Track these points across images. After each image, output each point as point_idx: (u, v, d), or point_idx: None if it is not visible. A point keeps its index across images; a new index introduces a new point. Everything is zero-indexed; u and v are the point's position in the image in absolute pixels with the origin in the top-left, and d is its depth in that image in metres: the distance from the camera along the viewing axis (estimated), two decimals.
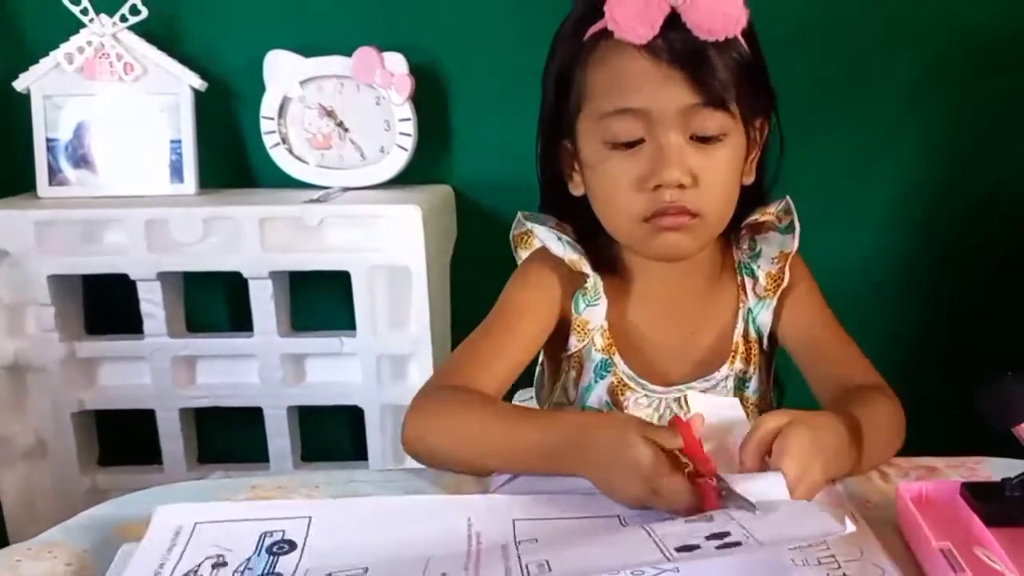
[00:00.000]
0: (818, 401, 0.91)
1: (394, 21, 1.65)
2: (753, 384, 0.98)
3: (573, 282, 0.95)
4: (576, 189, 0.94)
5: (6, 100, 1.63)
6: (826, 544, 0.63)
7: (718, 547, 0.59)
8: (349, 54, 1.59)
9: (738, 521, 0.63)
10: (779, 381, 1.05)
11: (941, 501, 0.70)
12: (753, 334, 0.97)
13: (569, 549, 0.63)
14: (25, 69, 1.59)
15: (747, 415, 0.85)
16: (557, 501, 0.74)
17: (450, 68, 1.68)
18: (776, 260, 0.95)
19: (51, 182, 1.62)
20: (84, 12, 1.57)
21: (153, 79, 1.61)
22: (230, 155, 1.72)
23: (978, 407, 0.69)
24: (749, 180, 0.93)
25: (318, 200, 1.55)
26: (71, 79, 1.59)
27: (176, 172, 1.63)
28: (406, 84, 1.59)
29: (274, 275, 1.54)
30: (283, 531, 0.69)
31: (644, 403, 0.95)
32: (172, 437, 1.62)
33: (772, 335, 0.98)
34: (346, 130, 1.66)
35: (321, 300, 1.67)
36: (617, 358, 0.95)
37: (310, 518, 0.71)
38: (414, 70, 1.60)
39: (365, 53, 1.58)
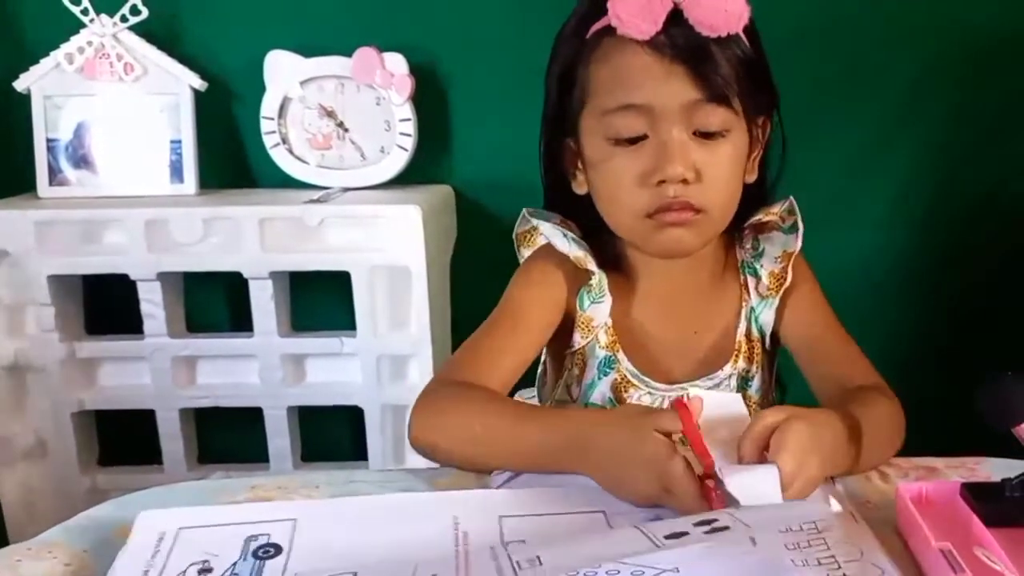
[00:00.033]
0: (818, 401, 0.91)
1: (394, 21, 1.65)
2: (756, 383, 0.98)
3: (577, 279, 0.95)
4: (579, 187, 0.94)
5: (6, 100, 1.63)
6: (826, 544, 0.63)
7: (706, 532, 0.60)
8: (349, 54, 1.59)
9: (725, 511, 0.64)
10: (781, 381, 1.05)
11: (941, 501, 0.70)
12: (756, 333, 0.98)
13: (559, 545, 0.63)
14: (25, 69, 1.59)
15: (749, 412, 0.85)
16: (543, 496, 0.74)
17: (450, 68, 1.68)
18: (779, 260, 0.96)
19: (51, 182, 1.62)
20: (84, 12, 1.57)
21: (153, 79, 1.61)
22: (230, 155, 1.72)
23: (978, 407, 0.69)
24: (751, 178, 0.93)
25: (318, 200, 1.55)
26: (71, 79, 1.59)
27: (176, 172, 1.63)
28: (406, 84, 1.59)
29: (274, 275, 1.54)
30: (268, 535, 0.68)
31: (647, 401, 0.96)
32: (172, 437, 1.62)
33: (774, 334, 0.98)
34: (346, 130, 1.66)
35: (321, 300, 1.67)
36: (621, 355, 0.96)
37: (295, 520, 0.70)
38: (414, 70, 1.60)
39: (365, 53, 1.58)
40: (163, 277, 1.55)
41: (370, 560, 0.64)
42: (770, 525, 0.61)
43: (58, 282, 1.55)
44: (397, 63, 1.59)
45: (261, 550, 0.66)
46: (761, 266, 0.97)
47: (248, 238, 1.51)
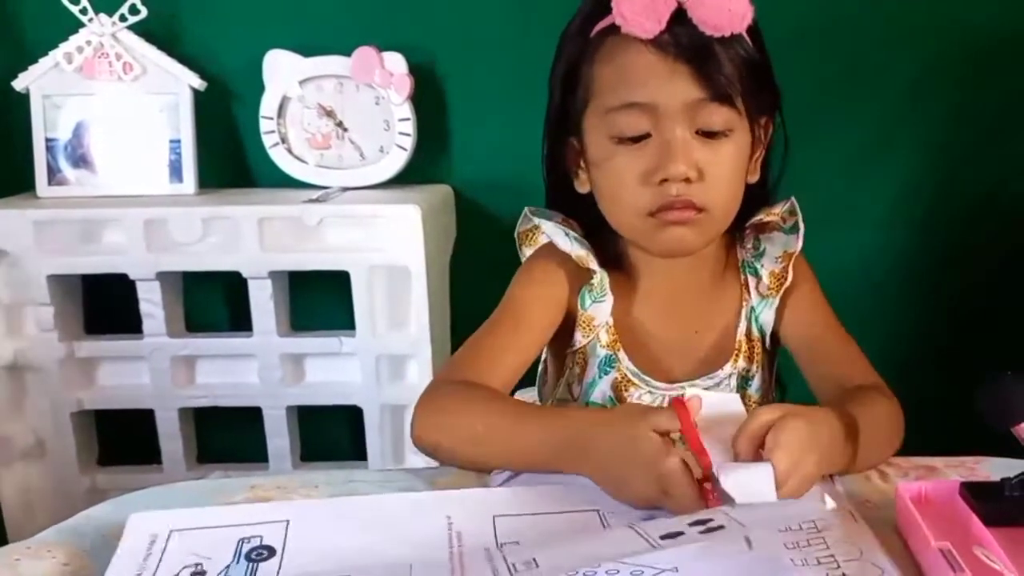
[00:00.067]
0: (817, 400, 0.91)
1: (393, 21, 1.65)
2: (756, 383, 0.98)
3: (579, 278, 0.95)
4: (582, 186, 0.95)
5: (5, 100, 1.63)
6: (825, 544, 0.63)
7: (702, 532, 0.60)
8: (348, 54, 1.59)
9: (720, 509, 0.64)
10: (781, 381, 1.05)
11: (940, 501, 0.70)
12: (756, 333, 0.98)
13: (555, 546, 0.62)
14: (24, 69, 1.59)
15: (747, 412, 0.85)
16: (537, 495, 0.74)
17: (449, 68, 1.68)
18: (780, 259, 0.96)
19: (50, 182, 1.62)
20: (83, 12, 1.57)
21: (152, 79, 1.61)
22: (229, 155, 1.72)
23: (978, 407, 0.69)
24: (753, 179, 0.93)
25: (317, 200, 1.55)
26: (70, 79, 1.59)
27: (175, 172, 1.63)
28: (405, 84, 1.59)
29: (273, 275, 1.54)
30: (261, 536, 0.68)
31: (648, 400, 0.96)
32: (171, 437, 1.62)
33: (774, 334, 0.98)
34: (345, 130, 1.66)
35: (320, 300, 1.67)
36: (622, 354, 0.96)
37: (287, 522, 0.69)
38: (413, 70, 1.60)
39: (364, 53, 1.58)
40: (162, 277, 1.55)
41: (364, 561, 0.64)
42: (766, 524, 0.61)
43: (57, 282, 1.55)
44: (396, 63, 1.59)
45: (254, 552, 0.66)
46: (762, 266, 0.97)
47: (247, 238, 1.51)
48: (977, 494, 0.68)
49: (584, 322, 0.96)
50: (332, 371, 1.61)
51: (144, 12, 1.57)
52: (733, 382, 0.97)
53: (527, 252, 1.01)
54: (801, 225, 0.95)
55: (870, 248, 1.72)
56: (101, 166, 1.63)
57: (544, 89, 0.96)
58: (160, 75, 1.60)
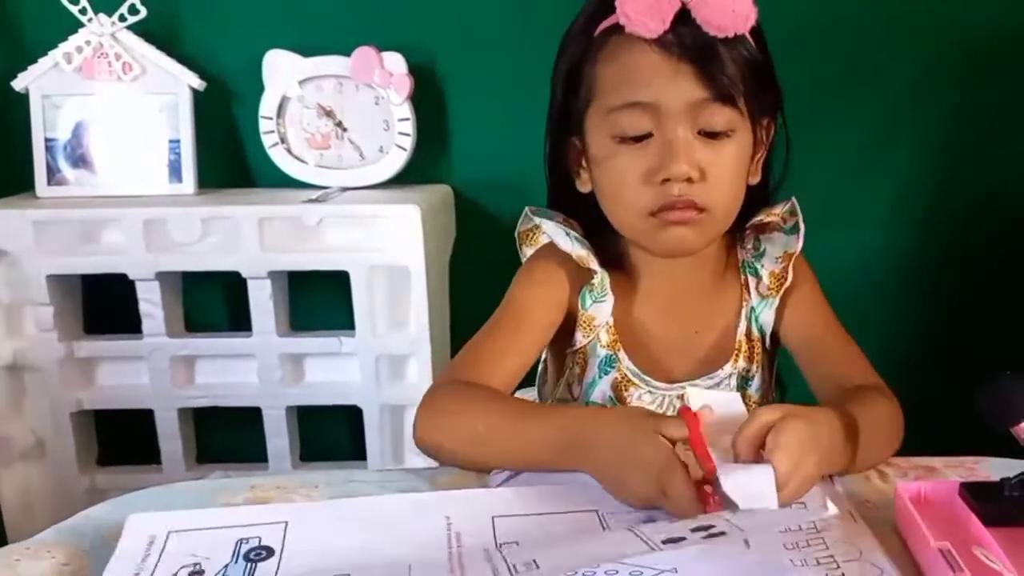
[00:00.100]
0: (817, 400, 0.91)
1: (393, 21, 1.65)
2: (756, 383, 0.98)
3: (579, 278, 0.96)
4: (583, 186, 0.95)
5: (5, 100, 1.63)
6: (824, 544, 0.63)
7: (704, 537, 0.60)
8: (348, 54, 1.59)
9: (721, 515, 0.64)
10: (781, 381, 1.05)
11: (940, 501, 0.70)
12: (756, 333, 0.98)
13: (555, 547, 0.62)
14: (24, 69, 1.59)
15: (748, 412, 0.85)
16: (536, 495, 0.73)
17: (449, 68, 1.68)
18: (780, 260, 0.96)
19: (50, 182, 1.62)
20: (83, 12, 1.57)
21: (152, 79, 1.61)
22: (229, 155, 1.72)
23: (978, 407, 0.69)
24: (755, 180, 0.94)
25: (317, 200, 1.55)
26: (70, 79, 1.59)
27: (175, 172, 1.63)
28: (405, 84, 1.59)
29: (273, 275, 1.54)
30: (259, 537, 0.68)
31: (647, 399, 0.96)
32: (171, 437, 1.62)
33: (774, 334, 0.98)
34: (345, 130, 1.66)
35: (320, 300, 1.67)
36: (622, 354, 0.96)
37: (286, 523, 0.69)
38: (413, 70, 1.60)
39: (364, 53, 1.58)
40: (162, 277, 1.55)
41: (363, 561, 0.64)
42: (767, 529, 0.61)
43: (57, 282, 1.55)
44: (396, 63, 1.59)
45: (253, 552, 0.66)
46: (762, 266, 0.97)
47: (247, 238, 1.51)
48: (977, 494, 0.68)
49: (584, 322, 0.96)
50: (332, 371, 1.61)
51: (143, 12, 1.57)
52: (733, 382, 0.97)
53: (527, 252, 1.01)
54: (801, 225, 0.95)
55: (870, 248, 1.72)
56: (100, 166, 1.63)
57: (544, 89, 0.96)
58: (159, 75, 1.60)
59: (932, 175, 1.70)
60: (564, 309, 0.96)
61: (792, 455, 0.68)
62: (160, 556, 0.66)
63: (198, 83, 1.61)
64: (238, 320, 1.65)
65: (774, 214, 0.96)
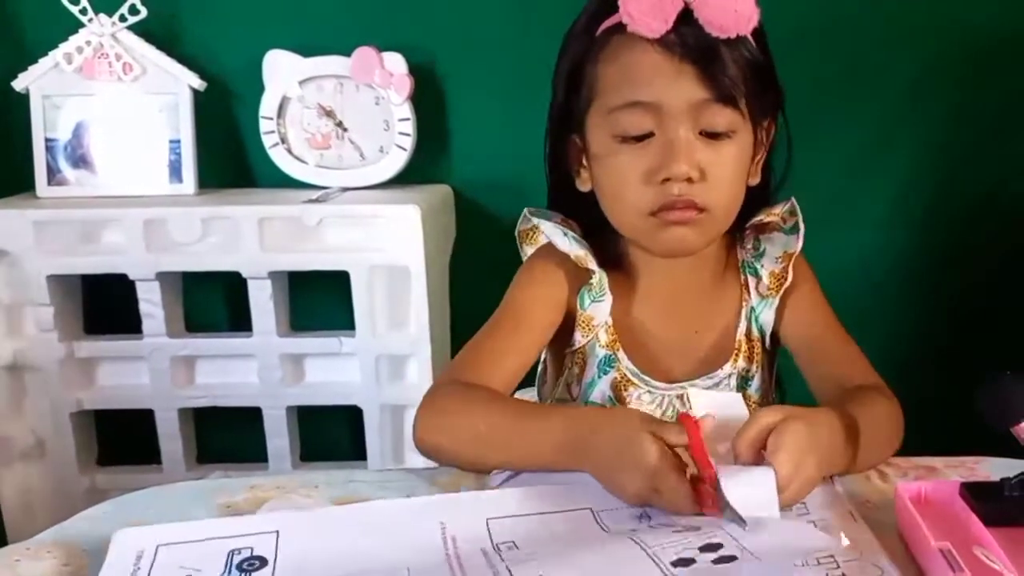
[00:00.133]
0: (817, 400, 0.91)
1: (393, 21, 1.65)
2: (756, 383, 0.98)
3: (578, 278, 0.96)
4: (583, 185, 0.95)
5: (5, 100, 1.63)
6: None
7: (714, 561, 0.60)
8: (348, 54, 1.59)
9: (728, 531, 0.63)
10: (780, 381, 1.05)
11: (940, 501, 0.70)
12: (756, 333, 0.98)
13: (563, 567, 0.61)
14: (24, 69, 1.59)
15: (749, 413, 0.85)
16: (530, 495, 0.73)
17: (449, 68, 1.68)
18: (780, 260, 0.96)
19: (50, 182, 1.62)
20: (83, 12, 1.57)
21: (152, 79, 1.61)
22: (229, 155, 1.72)
23: (978, 407, 0.69)
24: (754, 181, 0.94)
25: (317, 200, 1.55)
26: (70, 79, 1.59)
27: (175, 172, 1.63)
28: (405, 84, 1.59)
29: (273, 275, 1.54)
30: (251, 548, 0.67)
31: (647, 399, 0.96)
32: (171, 437, 1.62)
33: (774, 334, 0.98)
34: (345, 130, 1.66)
35: (320, 300, 1.67)
36: (621, 354, 0.96)
37: (277, 532, 0.68)
38: (413, 70, 1.60)
39: (364, 53, 1.58)
40: (162, 277, 1.55)
41: (360, 567, 0.64)
42: (780, 558, 0.60)
43: (57, 282, 1.55)
44: (396, 63, 1.59)
45: (246, 563, 0.65)
46: (762, 266, 0.97)
47: (247, 238, 1.51)
48: (977, 494, 0.68)
49: (583, 322, 0.96)
50: (332, 371, 1.61)
51: (144, 12, 1.57)
52: (733, 382, 0.97)
53: (528, 251, 1.02)
54: (801, 225, 0.95)
55: (870, 248, 1.72)
56: (101, 166, 1.63)
57: (545, 89, 0.96)
58: (160, 75, 1.60)
59: (932, 175, 1.70)
60: (563, 309, 0.96)
61: (793, 457, 0.69)
62: (150, 571, 0.64)
63: (198, 83, 1.61)
64: (238, 320, 1.65)
65: (774, 214, 0.96)
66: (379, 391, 1.58)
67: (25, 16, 1.66)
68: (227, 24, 1.66)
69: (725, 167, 0.86)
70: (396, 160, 1.64)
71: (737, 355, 0.97)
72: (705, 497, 0.68)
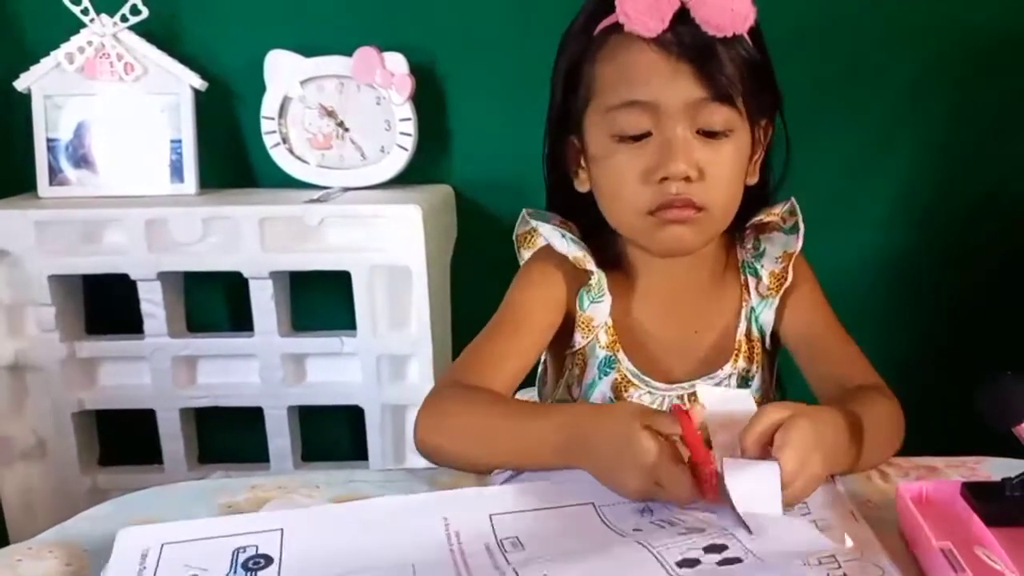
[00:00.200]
0: (818, 400, 0.91)
1: (394, 21, 1.65)
2: (756, 383, 0.98)
3: (577, 279, 0.96)
4: (581, 185, 0.95)
5: (6, 100, 1.63)
6: None
7: (719, 562, 0.60)
8: (349, 54, 1.59)
9: (731, 532, 0.64)
10: (781, 382, 1.05)
11: (941, 501, 0.70)
12: (756, 333, 0.98)
13: (569, 568, 0.61)
14: (26, 69, 1.59)
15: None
16: (531, 491, 0.74)
17: (450, 68, 1.68)
18: (780, 260, 0.96)
19: (51, 182, 1.62)
20: (84, 12, 1.57)
21: (153, 79, 1.61)
22: (230, 155, 1.72)
23: (978, 407, 0.69)
24: (752, 181, 0.94)
25: (318, 200, 1.55)
26: (71, 79, 1.59)
27: (176, 172, 1.63)
28: (406, 84, 1.59)
29: (274, 275, 1.54)
30: (256, 546, 0.67)
31: (647, 400, 0.96)
32: (172, 437, 1.62)
33: (775, 334, 0.98)
34: (346, 130, 1.66)
35: (321, 300, 1.67)
36: (621, 355, 0.96)
37: (282, 530, 0.69)
38: (414, 70, 1.60)
39: (365, 53, 1.58)
40: (163, 277, 1.55)
41: (365, 564, 0.64)
42: (785, 560, 0.61)
43: (58, 282, 1.55)
44: (397, 63, 1.59)
45: (251, 561, 0.65)
46: (762, 266, 0.97)
47: (248, 238, 1.51)
48: (978, 494, 0.68)
49: (583, 323, 0.96)
50: (333, 371, 1.61)
51: (145, 12, 1.57)
52: (733, 382, 0.97)
53: (526, 254, 1.02)
54: (801, 225, 0.95)
55: (870, 248, 1.72)
56: (102, 166, 1.63)
57: (544, 89, 0.96)
58: (161, 75, 1.60)
59: (932, 175, 1.70)
60: (563, 310, 0.96)
61: (799, 454, 0.69)
62: (156, 570, 0.64)
63: (200, 83, 1.61)
64: (239, 320, 1.65)
65: (773, 214, 0.96)
66: (380, 391, 1.58)
67: (26, 16, 1.66)
68: (228, 24, 1.66)
69: (723, 166, 0.87)
70: (397, 160, 1.64)
71: (737, 355, 0.97)
72: (704, 482, 0.68)
